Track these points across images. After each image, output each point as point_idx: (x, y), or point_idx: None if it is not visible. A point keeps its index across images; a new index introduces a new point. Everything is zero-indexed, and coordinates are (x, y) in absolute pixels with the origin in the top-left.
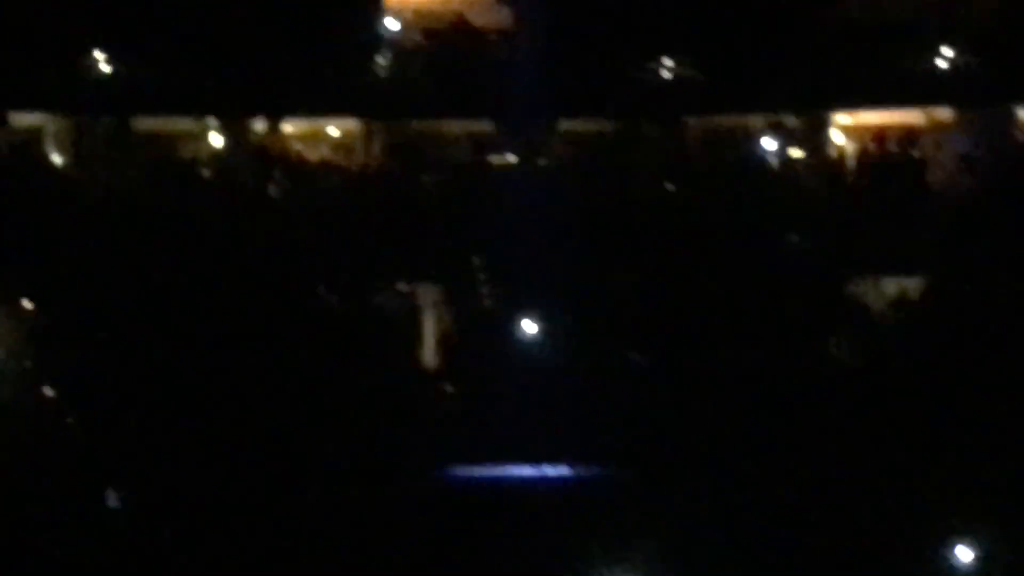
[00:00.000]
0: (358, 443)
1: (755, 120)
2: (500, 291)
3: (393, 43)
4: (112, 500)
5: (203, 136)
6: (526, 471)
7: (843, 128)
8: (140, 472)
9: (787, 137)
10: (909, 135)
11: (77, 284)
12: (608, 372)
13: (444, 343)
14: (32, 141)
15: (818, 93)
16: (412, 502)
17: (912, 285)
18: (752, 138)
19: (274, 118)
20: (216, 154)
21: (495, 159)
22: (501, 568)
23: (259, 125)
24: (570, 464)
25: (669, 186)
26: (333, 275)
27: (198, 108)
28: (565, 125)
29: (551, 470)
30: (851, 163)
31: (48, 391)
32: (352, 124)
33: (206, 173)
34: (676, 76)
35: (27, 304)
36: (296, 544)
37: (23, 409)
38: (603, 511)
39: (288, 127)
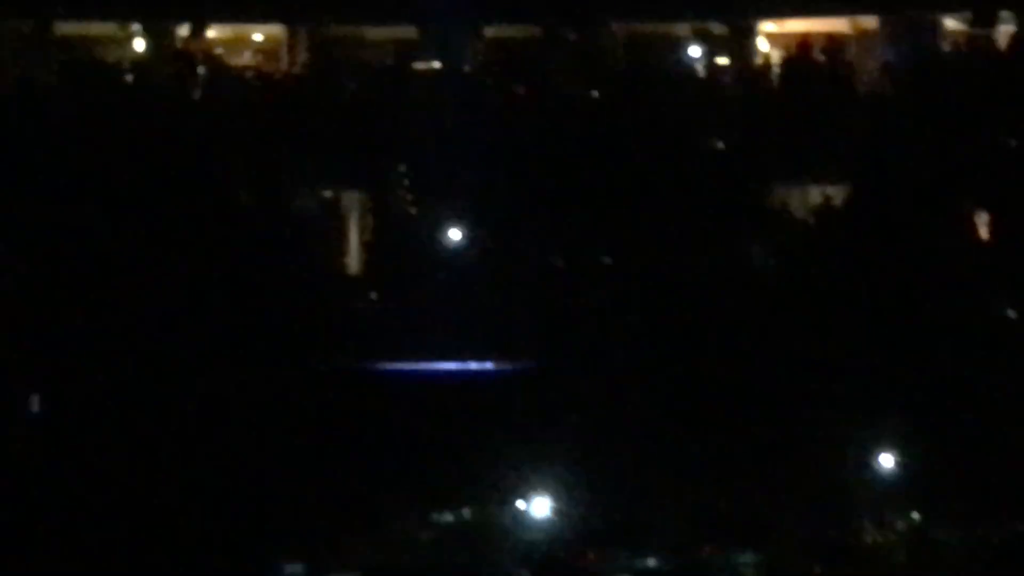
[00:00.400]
0: (279, 339)
1: (680, 27)
2: (422, 197)
3: None
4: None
5: (126, 41)
6: (444, 365)
7: (768, 36)
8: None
9: (712, 44)
10: (834, 43)
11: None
12: (525, 276)
13: (366, 249)
14: None
15: (743, 2)
16: (333, 389)
17: (835, 192)
18: (677, 45)
19: (198, 23)
20: (138, 58)
21: (419, 65)
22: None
23: (183, 30)
24: (484, 359)
25: (592, 92)
26: (255, 180)
27: (121, 12)
28: (489, 31)
29: (468, 364)
30: (776, 71)
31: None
32: (276, 29)
33: (128, 77)
34: None
35: None
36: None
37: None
38: (515, 402)
39: (211, 32)
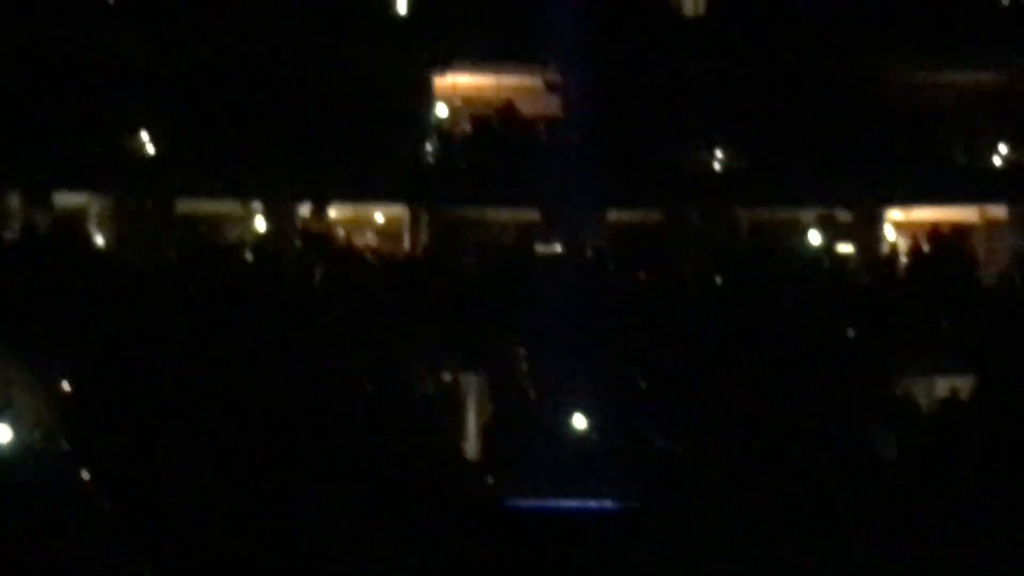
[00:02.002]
0: (392, 527)
1: (805, 213)
2: (543, 381)
3: (440, 129)
4: None
5: (247, 219)
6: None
7: (895, 223)
8: (176, 555)
9: (837, 231)
10: (961, 231)
11: (116, 366)
12: (649, 460)
13: (484, 432)
14: (75, 220)
15: (870, 188)
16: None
17: (963, 384)
18: (802, 231)
19: (320, 203)
20: (260, 238)
21: (541, 247)
22: None
23: (304, 209)
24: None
25: (716, 278)
26: (375, 362)
27: (243, 191)
28: (612, 214)
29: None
30: (902, 259)
31: (84, 474)
32: (398, 210)
33: (249, 256)
34: (725, 166)
35: (65, 385)
36: None
37: (60, 493)
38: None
39: (333, 212)
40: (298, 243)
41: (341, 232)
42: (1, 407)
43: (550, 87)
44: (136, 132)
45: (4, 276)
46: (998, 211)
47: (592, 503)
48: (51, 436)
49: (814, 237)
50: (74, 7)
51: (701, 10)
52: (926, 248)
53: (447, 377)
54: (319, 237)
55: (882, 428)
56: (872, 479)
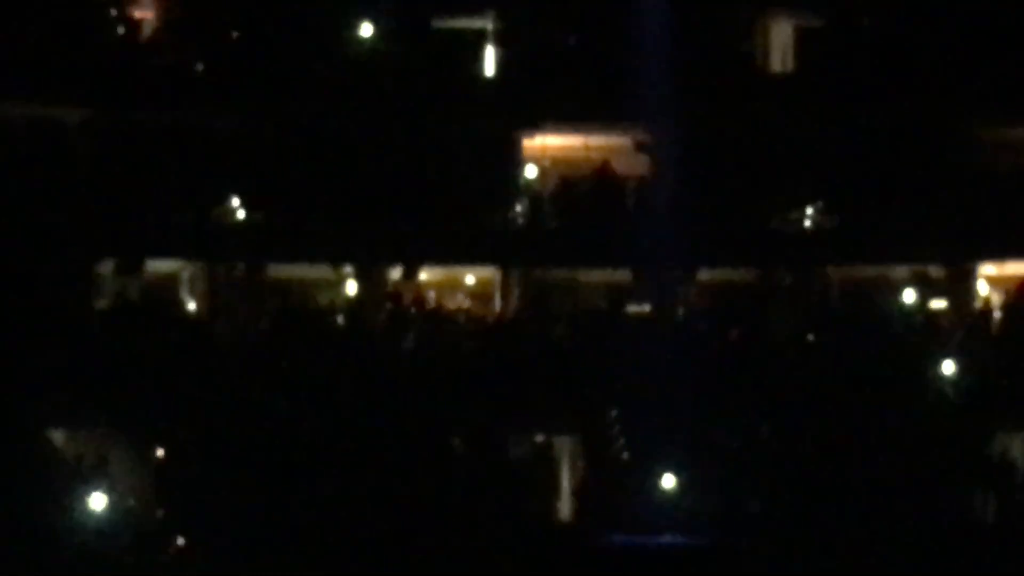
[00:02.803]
0: None
1: (897, 270)
2: (635, 443)
3: (531, 190)
4: None
5: (338, 284)
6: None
7: (988, 278)
8: None
9: (930, 287)
10: None
11: (210, 432)
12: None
13: (578, 495)
14: (167, 287)
15: (963, 245)
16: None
17: None
18: (894, 288)
19: (410, 266)
20: (351, 302)
21: (632, 308)
22: None
23: (395, 273)
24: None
25: (809, 336)
26: (468, 425)
27: (333, 256)
28: (703, 274)
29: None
30: (996, 314)
31: (180, 541)
32: (489, 272)
33: (340, 321)
34: (816, 225)
35: (159, 452)
36: None
37: (156, 560)
38: None
39: (424, 275)
40: (389, 306)
41: (432, 295)
42: (97, 475)
43: (639, 147)
44: (227, 199)
45: (98, 344)
46: None
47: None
48: (146, 503)
49: (908, 294)
50: (167, 78)
51: (790, 67)
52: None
53: (540, 439)
54: (411, 301)
55: (980, 489)
56: (972, 541)
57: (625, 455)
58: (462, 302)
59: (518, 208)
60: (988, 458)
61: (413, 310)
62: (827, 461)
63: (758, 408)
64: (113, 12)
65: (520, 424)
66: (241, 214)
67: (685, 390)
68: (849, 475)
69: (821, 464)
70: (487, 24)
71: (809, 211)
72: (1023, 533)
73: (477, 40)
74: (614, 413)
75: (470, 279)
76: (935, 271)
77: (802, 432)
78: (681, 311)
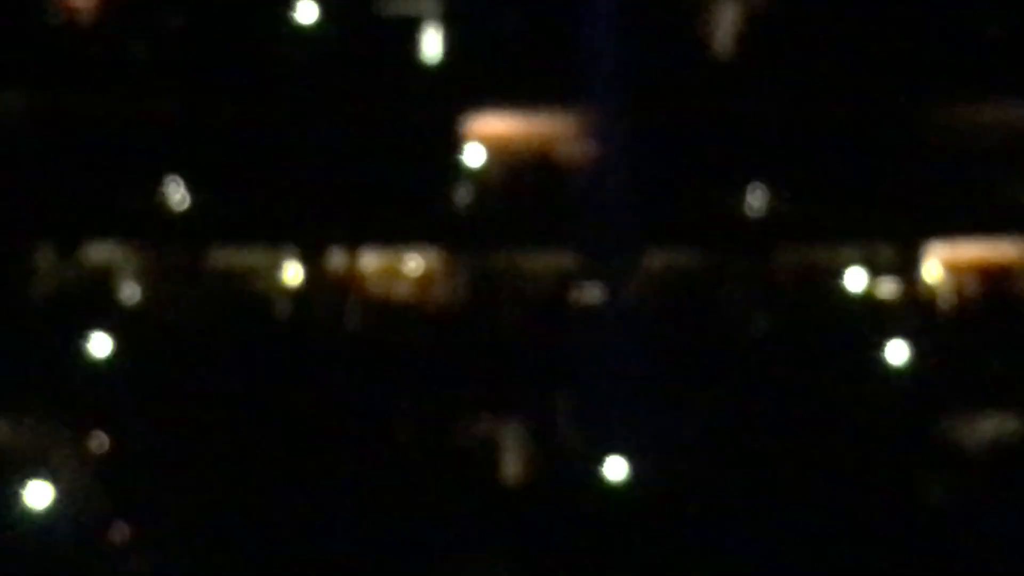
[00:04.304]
0: None
1: (846, 252)
2: (583, 430)
3: (475, 173)
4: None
5: (278, 270)
6: None
7: (940, 261)
8: None
9: (880, 270)
10: (1009, 268)
11: (148, 423)
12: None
13: (525, 482)
14: (105, 274)
15: (913, 224)
16: None
17: (1010, 425)
18: (843, 270)
19: (352, 248)
20: (292, 289)
21: (578, 293)
22: None
23: (336, 258)
24: None
25: (758, 320)
26: (412, 413)
27: (274, 240)
28: (651, 259)
29: None
30: (947, 297)
31: (124, 533)
32: (431, 257)
33: (280, 309)
34: (765, 207)
35: (97, 444)
36: None
37: (99, 552)
38: None
39: (366, 262)
40: (331, 293)
41: (374, 284)
42: (37, 465)
43: (585, 129)
44: (166, 183)
45: (36, 330)
46: None
47: None
48: (89, 494)
49: (857, 276)
50: (105, 62)
51: (738, 49)
52: (973, 284)
53: (485, 426)
54: (352, 287)
55: (927, 471)
56: (918, 523)
57: (573, 444)
58: (405, 289)
59: (462, 191)
60: (935, 441)
61: (355, 297)
62: (778, 446)
63: (709, 395)
64: None
65: (464, 412)
66: (180, 197)
67: (635, 377)
68: (800, 460)
69: (772, 449)
70: (431, 3)
71: (758, 193)
72: (969, 514)
73: (420, 20)
74: (562, 400)
75: (412, 265)
76: (884, 252)
77: (753, 418)
78: (628, 296)
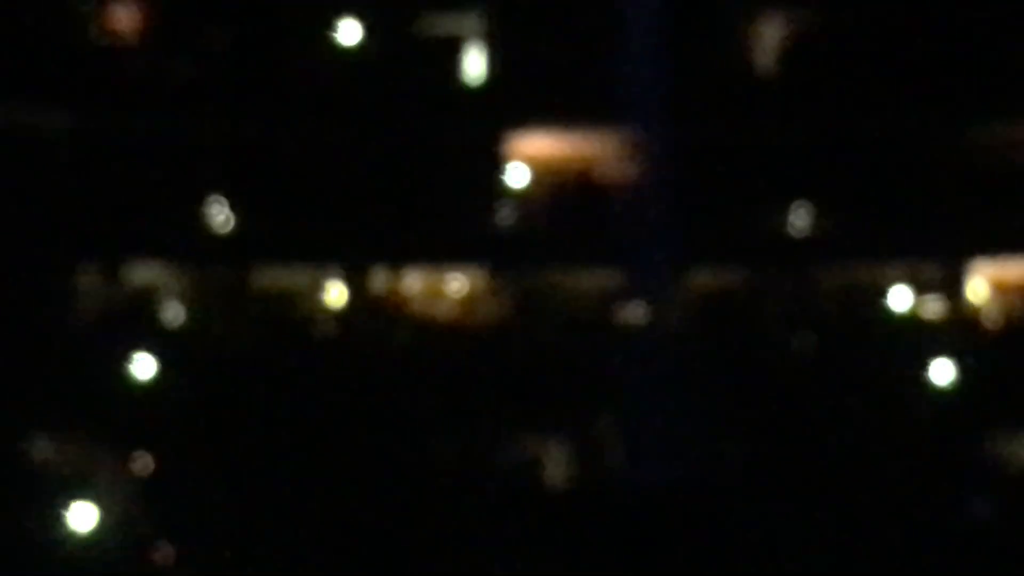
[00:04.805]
0: None
1: (891, 271)
2: (628, 448)
3: (518, 192)
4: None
5: (322, 291)
6: None
7: (985, 279)
8: None
9: (925, 288)
10: None
11: (192, 444)
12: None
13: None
14: (150, 295)
15: (957, 242)
16: None
17: None
18: (888, 289)
19: (396, 267)
20: (337, 310)
21: (622, 312)
22: None
23: (380, 278)
24: None
25: (802, 338)
26: (456, 432)
27: (318, 260)
28: (694, 278)
29: None
30: (992, 315)
31: (167, 554)
32: (475, 278)
33: (324, 329)
34: (809, 226)
35: (141, 465)
36: None
37: (142, 573)
38: None
39: (410, 282)
40: (375, 313)
41: (418, 303)
42: (81, 485)
43: (629, 149)
44: (211, 204)
45: (80, 351)
46: None
47: None
48: (132, 515)
49: (901, 295)
50: (149, 83)
51: (781, 69)
52: (1018, 303)
53: (529, 446)
54: (395, 308)
55: (972, 490)
56: (964, 542)
57: (617, 461)
58: (449, 308)
59: (505, 211)
60: (980, 460)
61: (399, 317)
62: (823, 465)
63: (753, 414)
64: (94, 17)
65: (508, 431)
66: (223, 218)
67: (678, 396)
68: (846, 479)
69: (817, 468)
70: (473, 24)
71: (801, 211)
72: (1015, 532)
73: (462, 40)
74: (607, 420)
75: (456, 285)
76: (929, 271)
77: (798, 437)
78: (671, 314)
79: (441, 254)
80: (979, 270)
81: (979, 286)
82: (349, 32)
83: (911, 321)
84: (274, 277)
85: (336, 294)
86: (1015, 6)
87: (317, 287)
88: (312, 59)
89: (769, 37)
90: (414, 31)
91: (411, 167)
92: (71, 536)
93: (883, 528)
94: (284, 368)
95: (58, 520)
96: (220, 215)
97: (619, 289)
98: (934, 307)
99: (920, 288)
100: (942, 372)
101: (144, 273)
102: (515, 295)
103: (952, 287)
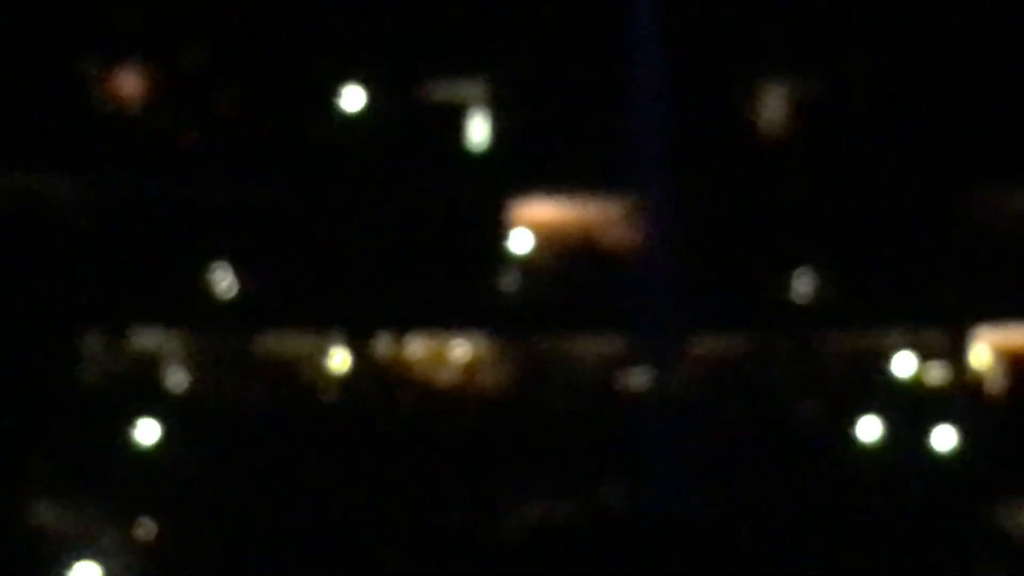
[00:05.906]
0: None
1: (895, 337)
2: (632, 513)
3: (521, 257)
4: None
5: (325, 356)
6: None
7: (989, 345)
8: None
9: (929, 355)
10: None
11: (196, 510)
12: None
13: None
14: (153, 361)
15: (961, 308)
16: None
17: None
18: (891, 355)
19: (399, 334)
20: (340, 376)
21: (627, 378)
22: None
23: (384, 344)
24: None
25: (805, 405)
26: (461, 499)
27: (322, 326)
28: (698, 344)
29: None
30: (997, 382)
31: None
32: (479, 345)
33: (328, 395)
34: (811, 291)
35: (146, 531)
36: None
37: None
38: None
39: (413, 348)
40: (377, 380)
41: (421, 370)
42: (85, 549)
43: (633, 213)
44: (214, 269)
45: (81, 417)
46: None
47: None
48: None
49: (905, 361)
50: (155, 149)
51: (785, 132)
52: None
53: (535, 513)
54: (399, 375)
55: (977, 559)
56: None
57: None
58: (452, 375)
59: (509, 277)
60: (985, 528)
61: (402, 383)
62: (826, 533)
63: (757, 479)
64: (99, 82)
65: (513, 498)
66: (227, 284)
67: (683, 460)
68: (849, 547)
69: (821, 536)
70: (477, 90)
71: (805, 277)
72: None
73: (465, 106)
74: (614, 487)
75: (459, 352)
76: (933, 337)
77: (802, 504)
78: (676, 379)
79: (445, 320)
80: (983, 336)
81: (983, 353)
82: (353, 98)
83: (915, 388)
84: (278, 343)
85: (340, 360)
86: (1021, 71)
87: (321, 353)
88: (316, 125)
89: (774, 102)
90: (418, 97)
91: (415, 233)
92: None
93: None
94: (288, 434)
95: None
96: (224, 281)
97: (623, 354)
98: (938, 373)
99: (924, 354)
100: (946, 440)
101: (148, 339)
102: (519, 361)
103: (956, 354)
